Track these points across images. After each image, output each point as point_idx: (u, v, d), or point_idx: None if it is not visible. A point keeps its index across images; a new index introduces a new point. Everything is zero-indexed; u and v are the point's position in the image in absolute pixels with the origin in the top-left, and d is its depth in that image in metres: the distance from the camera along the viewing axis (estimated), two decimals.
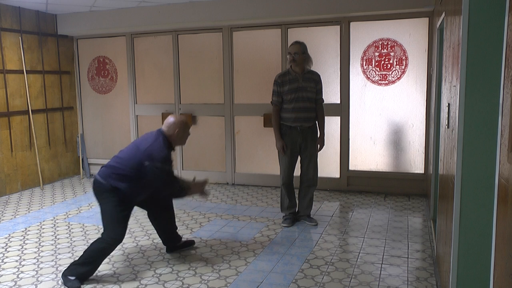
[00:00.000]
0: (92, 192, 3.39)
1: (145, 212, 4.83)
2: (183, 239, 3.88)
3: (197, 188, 3.54)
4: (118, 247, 3.85)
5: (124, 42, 6.64)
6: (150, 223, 4.47)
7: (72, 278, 3.15)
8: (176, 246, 3.79)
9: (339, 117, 5.63)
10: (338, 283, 3.14)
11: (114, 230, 3.22)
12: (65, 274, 3.19)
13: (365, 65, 5.49)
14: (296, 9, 5.39)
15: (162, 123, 3.50)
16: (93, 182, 3.37)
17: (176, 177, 3.49)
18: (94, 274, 3.31)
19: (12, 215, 4.91)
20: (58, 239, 4.12)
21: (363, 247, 3.81)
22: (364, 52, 5.48)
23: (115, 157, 3.41)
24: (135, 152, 3.32)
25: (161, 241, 3.88)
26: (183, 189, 3.45)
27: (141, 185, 3.31)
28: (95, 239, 3.32)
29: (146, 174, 3.24)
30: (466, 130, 2.11)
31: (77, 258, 3.30)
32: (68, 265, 3.27)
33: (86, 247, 3.82)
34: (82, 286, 3.14)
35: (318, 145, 4.36)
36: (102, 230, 3.27)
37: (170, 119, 3.42)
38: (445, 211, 2.76)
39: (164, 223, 3.74)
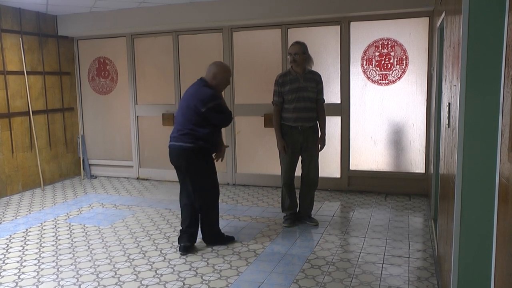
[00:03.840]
0: (176, 160, 3.70)
1: (145, 212, 4.87)
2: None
3: (222, 147, 3.95)
4: (119, 247, 3.87)
5: (125, 43, 6.64)
6: (151, 224, 4.50)
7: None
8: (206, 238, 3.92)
9: (339, 117, 5.62)
10: (339, 283, 3.14)
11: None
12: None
13: (366, 65, 5.49)
14: (296, 9, 5.39)
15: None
16: (175, 150, 3.63)
17: (228, 110, 3.77)
18: (95, 275, 3.32)
19: (13, 216, 4.91)
20: (59, 240, 4.12)
21: (364, 247, 3.81)
22: (365, 52, 5.48)
23: (177, 124, 3.67)
24: (192, 110, 3.57)
25: (161, 242, 3.89)
26: (229, 117, 3.78)
27: (212, 132, 3.67)
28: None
29: (209, 120, 3.60)
30: (466, 130, 2.11)
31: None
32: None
33: (87, 247, 3.84)
34: (82, 285, 3.15)
35: (319, 145, 4.36)
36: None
37: (210, 66, 3.72)
38: (446, 211, 2.76)
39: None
